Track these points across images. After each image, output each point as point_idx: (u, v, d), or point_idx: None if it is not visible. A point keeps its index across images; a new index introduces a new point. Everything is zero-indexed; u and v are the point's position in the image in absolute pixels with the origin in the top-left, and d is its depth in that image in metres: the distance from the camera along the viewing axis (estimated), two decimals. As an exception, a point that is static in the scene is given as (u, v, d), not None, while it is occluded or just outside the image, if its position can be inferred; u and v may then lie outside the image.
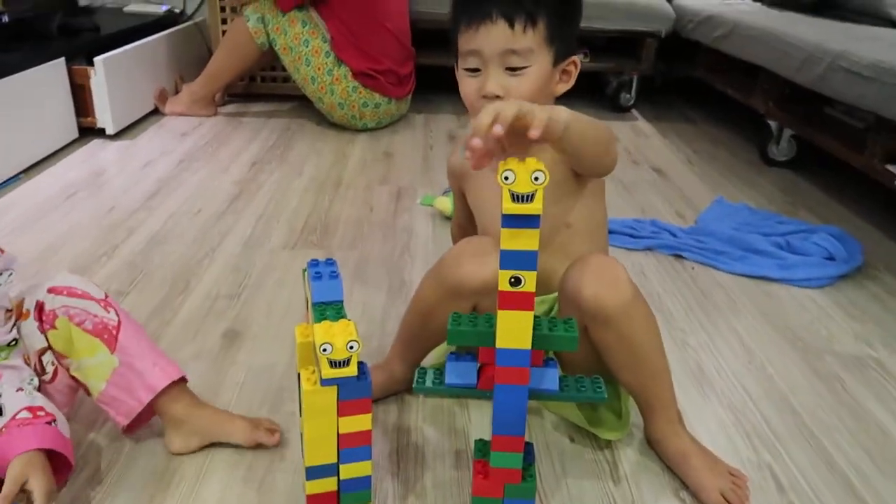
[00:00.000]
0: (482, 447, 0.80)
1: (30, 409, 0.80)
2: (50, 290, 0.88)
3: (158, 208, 1.70)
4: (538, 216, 0.63)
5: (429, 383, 0.77)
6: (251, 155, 2.10)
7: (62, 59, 2.03)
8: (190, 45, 2.70)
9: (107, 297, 0.91)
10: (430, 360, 1.06)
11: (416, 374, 0.78)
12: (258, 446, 0.93)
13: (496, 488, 0.77)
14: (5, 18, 2.05)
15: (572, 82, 0.96)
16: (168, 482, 0.89)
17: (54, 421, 0.81)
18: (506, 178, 0.61)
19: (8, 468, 0.75)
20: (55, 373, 0.89)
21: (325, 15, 2.24)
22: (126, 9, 2.78)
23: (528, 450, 0.81)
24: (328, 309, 0.76)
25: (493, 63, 0.89)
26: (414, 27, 2.44)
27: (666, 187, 2.00)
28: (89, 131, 2.15)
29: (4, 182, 1.80)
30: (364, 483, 0.79)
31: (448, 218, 1.59)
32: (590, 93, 2.89)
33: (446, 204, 1.63)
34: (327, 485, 0.78)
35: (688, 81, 2.87)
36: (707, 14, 2.49)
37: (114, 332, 0.88)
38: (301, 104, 2.50)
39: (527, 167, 0.61)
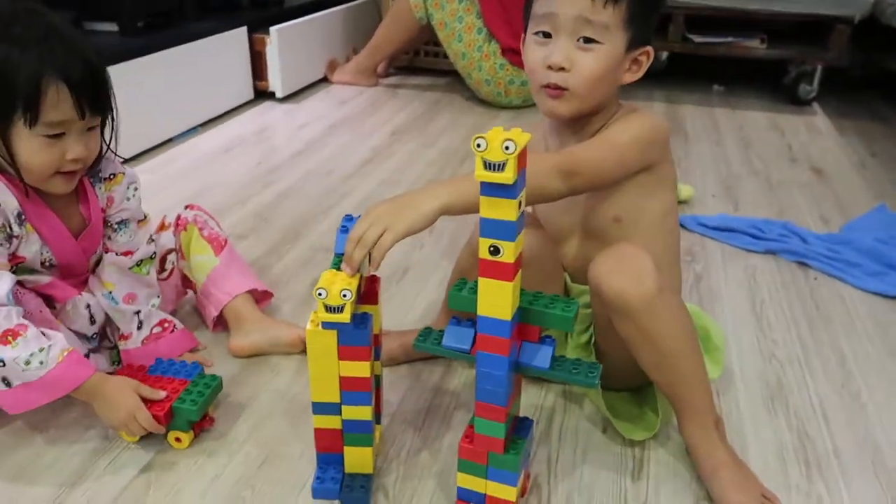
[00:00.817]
0: (477, 412, 0.81)
1: (160, 323, 1.07)
2: (187, 207, 1.19)
3: (297, 166, 1.87)
4: (512, 185, 0.63)
5: (429, 343, 0.80)
6: (394, 124, 2.22)
7: (244, 28, 2.28)
8: (365, 19, 2.88)
9: (220, 223, 1.20)
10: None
11: (420, 333, 0.81)
12: (303, 352, 1.07)
13: (480, 455, 0.78)
14: (206, -9, 2.34)
15: (641, 73, 0.92)
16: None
17: (175, 327, 1.08)
18: (478, 146, 0.62)
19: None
20: (171, 272, 1.16)
21: (480, -10, 2.29)
22: (315, -16, 3.02)
23: (524, 424, 0.81)
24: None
25: (564, 31, 0.86)
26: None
27: (820, 189, 1.80)
28: (263, 94, 2.40)
29: (183, 133, 2.07)
30: (365, 426, 0.84)
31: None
32: (765, 82, 2.65)
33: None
34: (332, 422, 0.84)
35: (891, 76, 2.52)
36: (914, -3, 2.17)
37: (222, 243, 1.15)
38: (456, 79, 2.58)
39: (499, 135, 0.62)
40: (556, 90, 0.88)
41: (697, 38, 2.49)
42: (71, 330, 0.98)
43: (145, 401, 0.91)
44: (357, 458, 0.86)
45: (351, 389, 0.81)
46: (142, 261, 1.05)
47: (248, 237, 1.49)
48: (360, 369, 0.80)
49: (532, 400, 1.03)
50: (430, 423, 0.98)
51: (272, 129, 2.19)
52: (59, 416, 0.97)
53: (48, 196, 0.94)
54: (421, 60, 2.79)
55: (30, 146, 0.86)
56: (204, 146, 2.01)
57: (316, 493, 0.85)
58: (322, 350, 0.79)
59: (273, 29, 2.28)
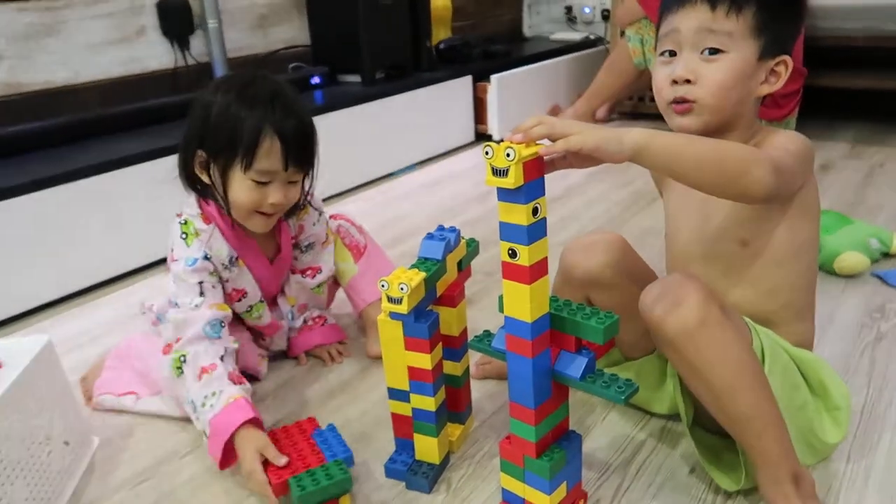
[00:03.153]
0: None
1: (314, 317, 1.27)
2: (331, 217, 1.28)
3: (490, 201, 2.01)
4: (517, 191, 0.68)
5: (483, 343, 0.85)
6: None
7: (469, 77, 2.52)
8: (594, 67, 2.96)
9: (361, 228, 1.30)
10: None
11: (477, 335, 0.87)
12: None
13: (517, 456, 0.81)
14: (442, 45, 2.64)
15: (779, 84, 0.86)
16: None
17: (326, 321, 1.28)
18: (486, 153, 0.68)
19: None
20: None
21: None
22: (552, 37, 3.20)
23: (570, 437, 0.82)
24: (425, 262, 0.91)
25: (687, 45, 0.85)
26: (812, 43, 2.21)
27: None
28: (483, 136, 2.60)
29: (405, 168, 2.35)
30: (429, 417, 0.92)
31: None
32: None
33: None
34: (403, 408, 0.94)
35: None
36: None
37: (361, 250, 1.27)
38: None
39: (503, 145, 0.67)
40: (683, 105, 0.86)
41: None
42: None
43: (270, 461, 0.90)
44: (425, 447, 0.94)
45: (416, 379, 0.90)
46: (321, 283, 1.23)
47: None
48: (422, 361, 0.88)
49: (625, 430, 1.01)
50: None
51: (482, 167, 2.36)
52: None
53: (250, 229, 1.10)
54: (645, 106, 2.78)
55: (240, 186, 1.02)
56: (416, 180, 2.26)
57: (387, 473, 0.95)
58: (391, 338, 0.89)
59: (494, 77, 2.49)
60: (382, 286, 0.85)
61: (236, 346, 1.04)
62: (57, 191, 1.51)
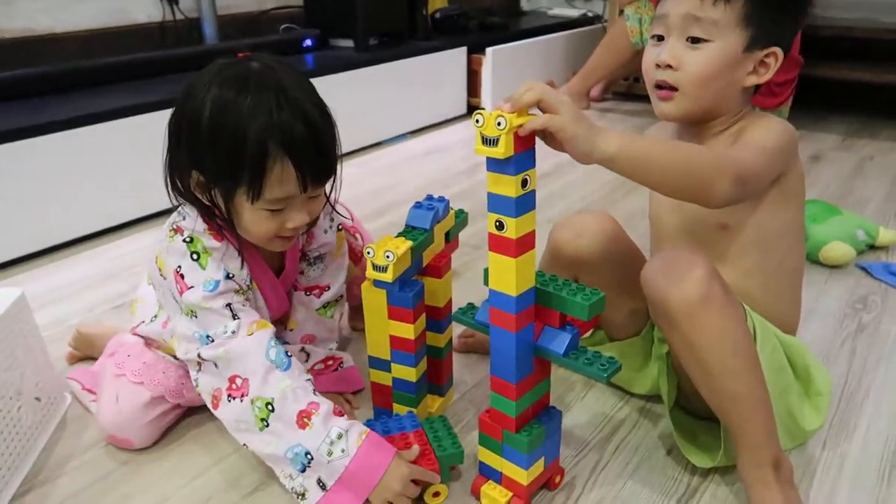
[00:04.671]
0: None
1: (325, 359, 1.03)
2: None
3: (479, 173, 1.99)
4: (506, 161, 0.66)
5: (466, 317, 0.84)
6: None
7: (464, 48, 2.48)
8: (591, 44, 2.93)
9: (356, 228, 1.13)
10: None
11: (461, 307, 0.86)
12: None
13: (495, 429, 0.80)
14: (438, 14, 2.60)
15: (767, 76, 0.85)
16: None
17: (340, 365, 1.04)
18: (477, 122, 0.67)
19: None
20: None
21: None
22: (550, 12, 3.16)
23: (549, 413, 0.82)
24: (412, 231, 0.90)
25: (675, 30, 0.84)
26: (809, 32, 2.20)
27: None
28: (476, 109, 2.57)
29: (395, 137, 2.32)
30: (409, 387, 0.91)
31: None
32: None
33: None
34: (383, 377, 0.93)
35: None
36: None
37: (358, 255, 1.10)
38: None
39: (496, 112, 0.65)
40: (666, 91, 0.86)
41: None
42: None
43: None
44: (404, 417, 0.93)
45: (397, 349, 0.89)
46: (328, 303, 1.02)
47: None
48: (405, 331, 0.87)
49: (604, 409, 1.01)
50: (493, 408, 1.01)
51: (473, 139, 2.34)
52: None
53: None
54: (640, 87, 2.76)
55: (252, 217, 0.82)
56: (407, 150, 2.23)
57: (364, 440, 0.94)
58: (374, 306, 0.88)
59: (489, 49, 2.45)
60: (368, 253, 0.83)
61: (301, 365, 0.88)
62: (34, 143, 1.46)
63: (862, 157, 2.12)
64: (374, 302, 0.87)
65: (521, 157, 0.67)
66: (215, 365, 0.82)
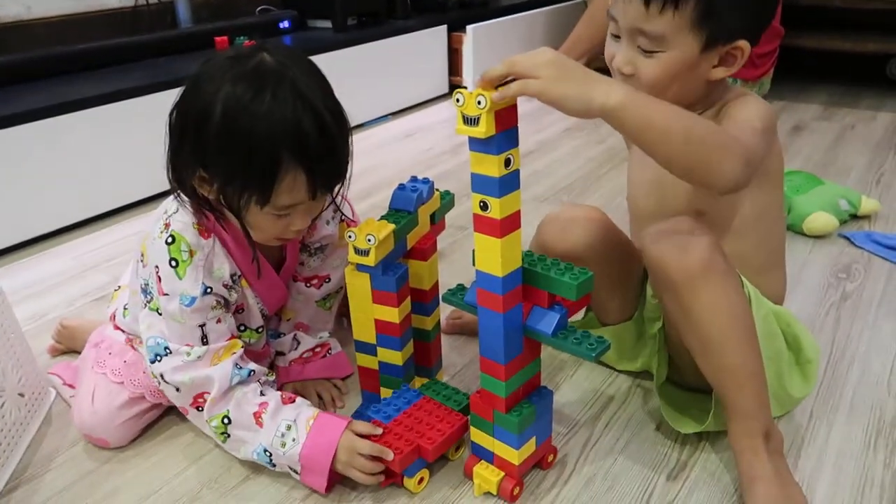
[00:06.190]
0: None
1: (314, 346, 1.02)
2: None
3: (462, 154, 1.98)
4: (488, 141, 0.65)
5: (456, 298, 0.84)
6: (571, 121, 2.22)
7: (444, 27, 2.45)
8: (571, 20, 2.90)
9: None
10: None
11: (450, 289, 0.85)
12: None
13: (486, 410, 0.80)
14: (417, -8, 2.56)
15: (736, 68, 0.82)
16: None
17: (329, 352, 1.03)
18: (457, 101, 0.66)
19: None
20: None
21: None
22: (530, -13, 3.12)
23: (541, 393, 0.81)
24: (395, 214, 0.89)
25: (625, 37, 0.81)
26: (790, 2, 2.19)
27: None
28: (456, 88, 2.55)
29: (376, 119, 2.30)
30: (396, 370, 0.90)
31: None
32: None
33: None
34: (369, 361, 0.92)
35: None
36: None
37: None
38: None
39: (475, 92, 0.64)
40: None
41: None
42: None
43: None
44: (392, 401, 0.92)
45: (383, 333, 0.88)
46: (329, 295, 1.02)
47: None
48: (390, 314, 0.86)
49: (595, 385, 1.01)
50: (483, 389, 1.01)
51: (455, 119, 2.32)
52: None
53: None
54: (622, 61, 2.74)
55: (255, 219, 0.81)
56: (388, 132, 2.21)
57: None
58: (358, 290, 0.87)
59: (469, 27, 2.42)
60: (349, 237, 0.82)
61: (264, 369, 0.89)
62: (5, 133, 1.43)
63: (843, 126, 2.13)
64: (358, 286, 0.86)
65: (504, 136, 0.66)
66: (177, 389, 0.84)
